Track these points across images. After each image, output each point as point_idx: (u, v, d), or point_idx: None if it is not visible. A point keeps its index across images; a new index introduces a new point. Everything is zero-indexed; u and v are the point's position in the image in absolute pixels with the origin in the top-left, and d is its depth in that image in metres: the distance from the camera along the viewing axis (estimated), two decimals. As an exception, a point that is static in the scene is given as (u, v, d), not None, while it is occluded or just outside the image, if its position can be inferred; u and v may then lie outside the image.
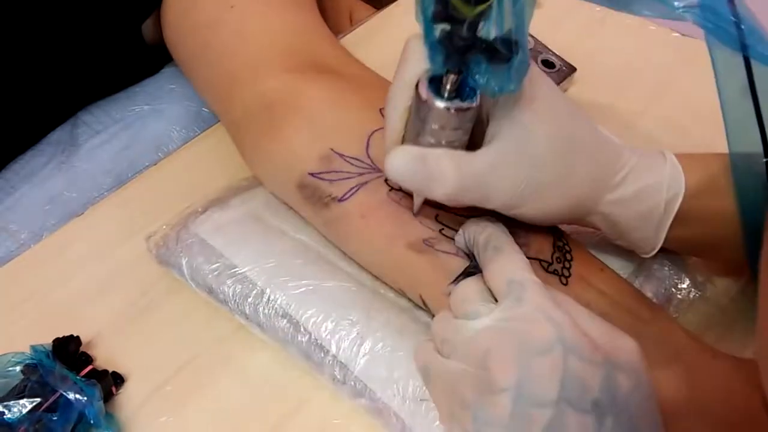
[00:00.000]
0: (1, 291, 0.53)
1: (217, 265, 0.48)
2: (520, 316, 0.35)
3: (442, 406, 0.37)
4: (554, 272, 0.42)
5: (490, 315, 0.36)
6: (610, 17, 0.75)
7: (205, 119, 0.68)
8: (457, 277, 0.41)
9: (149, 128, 0.68)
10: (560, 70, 0.65)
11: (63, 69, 0.65)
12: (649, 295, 0.47)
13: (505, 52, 0.33)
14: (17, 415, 0.42)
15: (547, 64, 0.65)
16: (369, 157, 0.45)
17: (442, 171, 0.37)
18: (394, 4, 0.76)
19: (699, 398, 0.40)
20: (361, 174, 0.45)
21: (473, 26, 0.33)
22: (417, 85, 0.37)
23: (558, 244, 0.43)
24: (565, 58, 0.66)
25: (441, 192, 0.38)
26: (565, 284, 0.42)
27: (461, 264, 0.42)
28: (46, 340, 0.46)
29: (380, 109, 0.46)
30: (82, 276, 0.53)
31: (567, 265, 0.42)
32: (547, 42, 0.67)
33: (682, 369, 0.41)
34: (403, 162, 0.37)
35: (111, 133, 0.67)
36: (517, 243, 0.39)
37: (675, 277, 0.49)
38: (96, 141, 0.67)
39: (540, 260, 0.42)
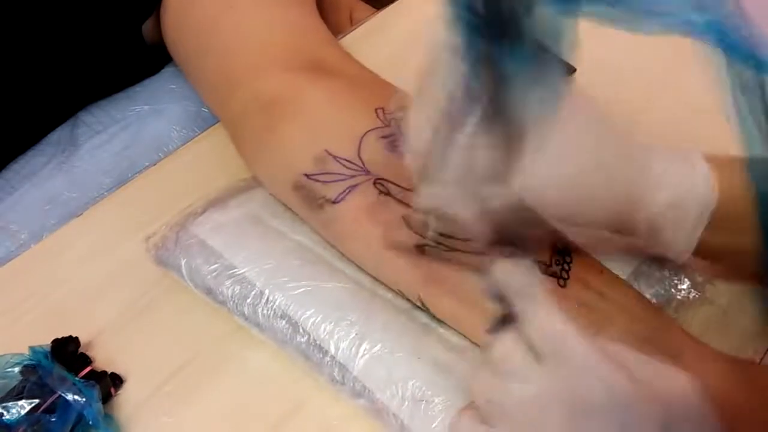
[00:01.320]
0: (0, 291, 0.53)
1: (216, 266, 0.48)
2: (566, 378, 0.33)
3: None
4: (552, 274, 0.42)
5: (537, 381, 0.34)
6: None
7: (204, 119, 0.68)
8: (494, 326, 0.37)
9: (149, 128, 0.68)
10: (560, 70, 0.65)
11: (63, 69, 0.65)
12: (648, 296, 0.47)
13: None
14: (16, 416, 0.42)
15: (548, 64, 0.65)
16: (360, 159, 0.45)
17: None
18: (394, 4, 0.76)
19: None
20: (352, 176, 0.45)
21: None
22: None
23: (558, 247, 0.43)
24: (564, 59, 0.66)
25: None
26: (563, 286, 0.42)
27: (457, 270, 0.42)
28: (45, 340, 0.46)
29: (375, 109, 0.46)
30: (82, 276, 0.53)
31: (566, 267, 0.42)
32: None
33: (683, 370, 0.41)
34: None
35: (111, 133, 0.68)
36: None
37: (674, 278, 0.49)
38: (96, 141, 0.67)
39: (539, 261, 0.42)
